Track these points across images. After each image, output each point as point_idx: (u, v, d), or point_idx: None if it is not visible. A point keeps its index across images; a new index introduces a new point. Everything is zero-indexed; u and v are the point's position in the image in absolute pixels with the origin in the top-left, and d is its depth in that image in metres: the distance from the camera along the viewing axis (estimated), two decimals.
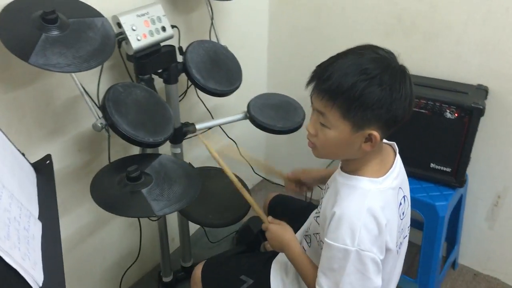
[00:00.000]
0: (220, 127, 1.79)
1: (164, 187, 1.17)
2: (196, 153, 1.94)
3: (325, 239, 1.05)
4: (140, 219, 1.81)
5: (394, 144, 1.17)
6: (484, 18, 1.61)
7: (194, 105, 1.83)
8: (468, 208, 1.93)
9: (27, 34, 1.07)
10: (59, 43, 1.08)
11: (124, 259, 1.84)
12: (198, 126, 1.57)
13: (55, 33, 1.09)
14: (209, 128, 1.63)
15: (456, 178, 1.69)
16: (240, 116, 1.65)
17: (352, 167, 1.10)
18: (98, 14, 1.21)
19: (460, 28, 1.67)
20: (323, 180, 1.39)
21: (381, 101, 0.97)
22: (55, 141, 1.41)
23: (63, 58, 1.06)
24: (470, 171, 1.78)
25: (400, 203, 1.12)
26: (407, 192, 1.17)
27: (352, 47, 1.05)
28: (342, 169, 1.14)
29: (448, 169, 1.69)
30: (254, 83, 1.99)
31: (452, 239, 1.97)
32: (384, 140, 1.14)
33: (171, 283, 1.85)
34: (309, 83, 1.05)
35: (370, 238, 1.01)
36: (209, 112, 1.82)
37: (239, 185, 1.32)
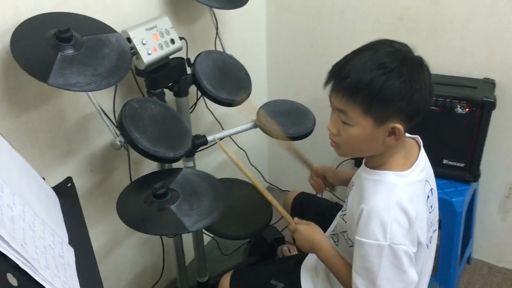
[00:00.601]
0: (230, 137, 1.76)
1: (193, 202, 1.14)
2: (203, 164, 1.91)
3: (356, 237, 1.04)
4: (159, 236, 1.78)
5: (418, 137, 1.16)
6: (488, 11, 1.62)
7: (201, 116, 1.81)
8: (480, 201, 1.93)
9: (43, 54, 1.04)
10: (76, 61, 1.05)
11: (138, 277, 1.80)
12: (209, 138, 1.54)
13: (70, 51, 1.06)
14: (220, 139, 1.60)
15: (470, 173, 1.69)
16: (250, 125, 1.63)
17: (377, 162, 1.09)
18: (111, 30, 1.18)
19: (463, 22, 1.68)
20: (347, 183, 1.38)
21: (402, 93, 0.96)
22: (68, 163, 1.38)
23: (82, 76, 1.03)
24: (481, 164, 1.78)
25: (428, 196, 1.11)
26: (434, 185, 1.16)
27: (366, 43, 1.05)
28: (367, 165, 1.13)
29: (462, 164, 1.70)
30: (254, 90, 1.98)
31: (467, 234, 1.96)
32: (407, 134, 1.13)
33: None
34: (326, 83, 1.05)
35: (401, 231, 1.00)
36: (219, 122, 1.79)
37: (262, 188, 1.28)
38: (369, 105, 0.98)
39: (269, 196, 1.28)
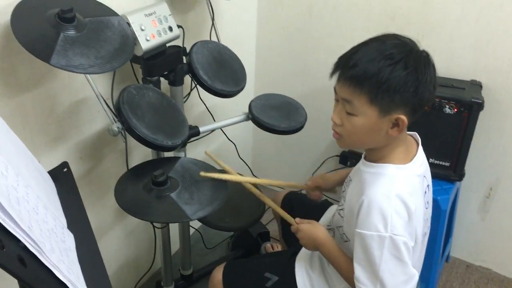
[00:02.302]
0: (221, 129, 1.75)
1: (193, 190, 1.12)
2: (192, 156, 1.89)
3: (356, 230, 1.05)
4: (145, 227, 1.76)
5: (416, 134, 1.18)
6: (478, 14, 1.66)
7: (192, 107, 1.79)
8: (460, 201, 1.98)
9: (44, 34, 1.00)
10: (79, 43, 1.02)
11: (123, 269, 1.77)
12: (202, 129, 1.52)
13: (72, 32, 1.03)
14: (212, 130, 1.59)
15: (455, 172, 1.73)
16: (242, 117, 1.62)
17: (378, 155, 1.10)
18: (113, 13, 1.15)
19: (453, 24, 1.71)
20: (341, 181, 1.39)
21: (408, 84, 0.98)
22: (58, 148, 1.34)
23: (85, 58, 1.00)
24: None
25: (425, 192, 1.13)
26: (430, 181, 1.18)
27: (373, 36, 1.06)
28: (366, 158, 1.14)
29: (447, 164, 1.73)
30: None
31: (447, 233, 2.00)
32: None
33: None
34: (333, 73, 1.07)
35: (401, 223, 1.01)
36: (211, 113, 1.78)
37: (258, 193, 1.29)
38: (375, 95, 0.99)
39: (268, 200, 1.29)
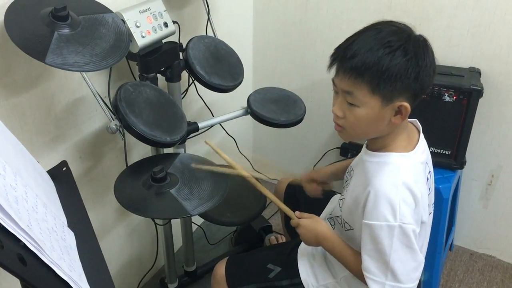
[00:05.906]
0: (220, 124, 1.75)
1: (192, 186, 1.12)
2: (192, 151, 1.88)
3: (364, 221, 1.04)
4: (147, 224, 1.76)
5: (416, 121, 1.18)
6: (475, 1, 1.65)
7: (191, 103, 1.79)
8: (462, 189, 1.97)
9: (38, 33, 1.00)
10: (73, 41, 1.01)
11: (126, 267, 1.77)
12: (201, 125, 1.52)
13: (67, 30, 1.03)
14: (211, 126, 1.59)
15: (456, 160, 1.72)
16: (241, 112, 1.62)
17: (380, 144, 1.10)
18: (107, 10, 1.15)
19: (450, 12, 1.70)
20: (337, 173, 1.38)
21: (408, 70, 0.97)
22: (57, 148, 1.34)
23: (80, 56, 1.00)
24: None
25: (427, 178, 1.13)
26: (431, 167, 1.18)
27: (368, 25, 1.05)
28: (368, 147, 1.14)
29: (448, 152, 1.72)
30: None
31: (449, 221, 2.00)
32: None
33: None
34: (330, 65, 1.05)
35: (409, 211, 1.01)
36: (209, 109, 1.77)
37: (259, 185, 1.27)
38: (376, 84, 0.98)
39: (268, 193, 1.27)
